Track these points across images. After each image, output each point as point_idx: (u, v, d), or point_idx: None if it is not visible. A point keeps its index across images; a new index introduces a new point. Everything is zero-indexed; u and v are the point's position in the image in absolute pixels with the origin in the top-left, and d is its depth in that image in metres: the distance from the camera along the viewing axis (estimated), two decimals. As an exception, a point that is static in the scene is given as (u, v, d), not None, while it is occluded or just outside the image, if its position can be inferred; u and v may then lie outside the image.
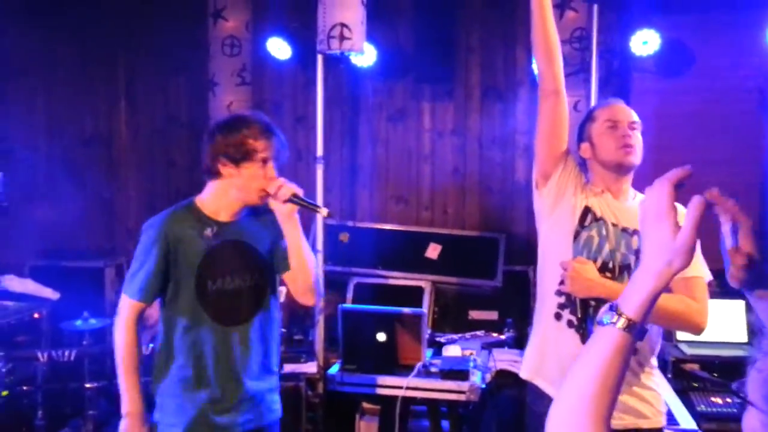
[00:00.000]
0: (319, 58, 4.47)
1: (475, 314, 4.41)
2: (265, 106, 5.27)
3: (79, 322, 3.55)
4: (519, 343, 3.94)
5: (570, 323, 2.16)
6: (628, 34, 4.33)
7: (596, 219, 2.20)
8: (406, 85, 5.13)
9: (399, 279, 4.56)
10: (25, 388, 3.45)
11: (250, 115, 2.50)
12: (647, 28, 4.24)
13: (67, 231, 5.00)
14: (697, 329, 2.13)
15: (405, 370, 3.20)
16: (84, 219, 5.13)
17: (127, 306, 2.33)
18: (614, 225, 2.20)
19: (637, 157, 2.24)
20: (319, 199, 4.79)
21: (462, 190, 5.03)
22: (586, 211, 2.21)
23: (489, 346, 3.62)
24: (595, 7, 4.32)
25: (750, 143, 4.45)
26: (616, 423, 2.18)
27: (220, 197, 2.43)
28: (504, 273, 4.50)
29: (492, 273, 4.48)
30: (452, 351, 3.33)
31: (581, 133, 2.36)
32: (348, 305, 3.44)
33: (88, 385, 3.48)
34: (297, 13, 4.91)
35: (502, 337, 3.79)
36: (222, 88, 5.17)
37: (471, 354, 3.33)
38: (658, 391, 2.24)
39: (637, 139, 2.27)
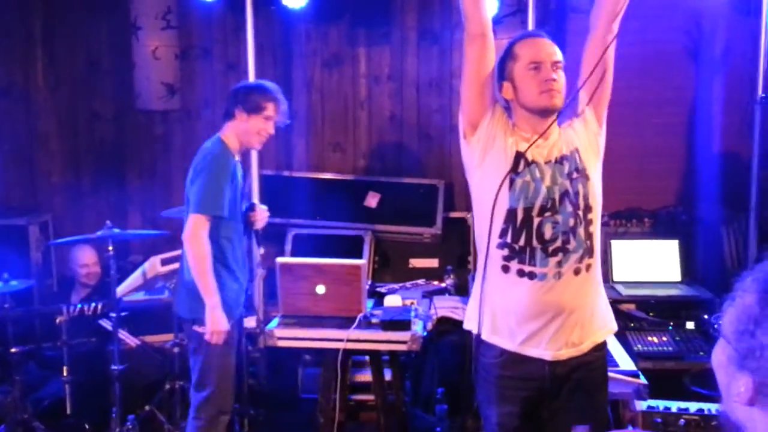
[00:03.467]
0: (249, 0, 4.26)
1: (415, 262, 4.39)
2: (193, 52, 5.03)
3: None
4: (459, 289, 3.94)
5: (521, 272, 2.11)
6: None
7: (528, 163, 2.14)
8: (340, 29, 4.95)
9: (338, 229, 4.49)
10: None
11: (269, 85, 3.16)
12: (584, -33, 4.16)
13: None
14: None
15: (346, 322, 3.15)
16: (3, 174, 4.85)
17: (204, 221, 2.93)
18: (547, 162, 2.15)
19: (561, 100, 2.14)
20: (254, 152, 4.65)
21: (400, 137, 4.94)
22: (518, 156, 2.14)
23: (430, 294, 3.61)
24: (532, -55, 4.22)
25: (683, 83, 4.48)
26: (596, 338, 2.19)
27: (234, 139, 3.08)
28: (443, 220, 4.47)
29: (431, 220, 4.45)
30: (393, 301, 3.30)
31: (501, 71, 2.22)
32: (285, 258, 3.35)
33: (13, 350, 3.32)
34: (224, -48, 4.65)
35: (443, 284, 3.78)
36: (146, 33, 4.89)
37: (412, 303, 3.30)
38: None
39: (561, 79, 2.16)
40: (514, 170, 2.12)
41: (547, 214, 2.11)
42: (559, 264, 2.09)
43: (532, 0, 4.24)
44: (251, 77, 4.46)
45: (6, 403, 3.37)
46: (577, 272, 2.11)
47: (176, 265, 3.55)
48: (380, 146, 4.94)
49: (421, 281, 3.79)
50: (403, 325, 3.08)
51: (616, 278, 4.00)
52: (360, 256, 4.25)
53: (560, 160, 2.15)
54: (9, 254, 4.09)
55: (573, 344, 2.14)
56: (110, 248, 3.31)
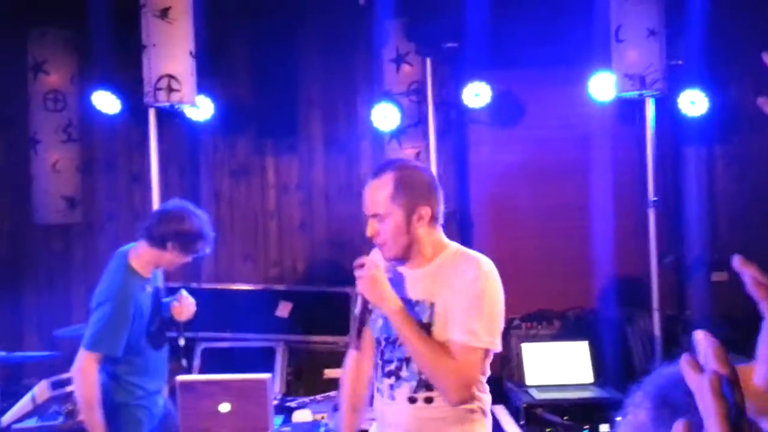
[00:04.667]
0: (151, 113, 4.25)
1: (330, 373, 4.25)
2: (97, 165, 4.93)
3: None
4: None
5: (377, 388, 2.24)
6: (461, 87, 4.47)
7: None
8: (247, 139, 4.99)
9: (250, 341, 4.34)
10: None
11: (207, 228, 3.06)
12: (479, 81, 4.40)
13: None
14: (450, 398, 2.07)
15: (253, 441, 2.98)
16: None
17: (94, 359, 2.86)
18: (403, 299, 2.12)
19: (390, 250, 2.13)
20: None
21: (311, 245, 4.92)
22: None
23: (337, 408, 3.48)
24: (429, 61, 4.44)
25: (579, 189, 4.68)
26: None
27: (147, 263, 2.98)
28: (356, 328, 4.40)
29: (345, 328, 4.36)
30: (302, 416, 3.16)
31: None
32: (186, 376, 3.18)
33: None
34: (125, 66, 4.65)
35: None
36: (45, 146, 4.79)
37: (322, 418, 3.17)
38: None
39: (381, 230, 2.12)
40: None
41: (391, 340, 2.18)
42: (392, 387, 2.16)
43: (432, 112, 4.43)
44: (155, 190, 4.40)
45: None
46: (412, 401, 2.13)
47: (69, 388, 3.32)
48: (291, 255, 4.89)
49: (333, 393, 3.65)
50: (313, 442, 2.94)
51: (528, 382, 3.99)
52: (272, 369, 4.09)
53: (415, 303, 2.13)
54: None
55: None
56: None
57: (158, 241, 2.91)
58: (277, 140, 4.99)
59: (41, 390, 3.25)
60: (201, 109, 4.57)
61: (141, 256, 2.94)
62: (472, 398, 2.08)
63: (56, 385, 3.28)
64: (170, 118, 4.62)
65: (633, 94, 4.09)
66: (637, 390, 1.01)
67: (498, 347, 2.10)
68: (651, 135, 4.23)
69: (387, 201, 2.11)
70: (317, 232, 4.92)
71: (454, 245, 2.22)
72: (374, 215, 2.13)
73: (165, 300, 3.21)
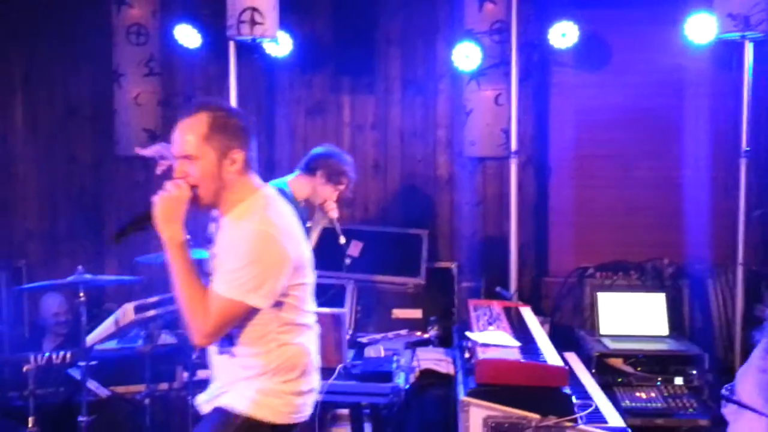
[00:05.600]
0: (232, 46, 4.25)
1: (398, 313, 4.29)
2: (176, 99, 4.99)
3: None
4: (443, 341, 3.84)
5: None
6: (547, 27, 4.30)
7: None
8: (324, 77, 4.96)
9: (320, 278, 4.37)
10: None
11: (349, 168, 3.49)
12: (566, 20, 4.22)
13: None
14: (193, 339, 2.03)
15: (325, 373, 3.02)
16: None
17: None
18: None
19: (198, 199, 2.05)
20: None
21: (384, 186, 4.90)
22: None
23: (413, 346, 3.50)
24: (514, -1, 4.27)
25: (667, 137, 4.49)
26: None
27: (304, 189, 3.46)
28: (427, 270, 4.39)
29: (415, 270, 4.37)
30: (374, 351, 3.19)
31: None
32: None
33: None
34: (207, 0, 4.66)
35: (426, 335, 3.68)
36: (128, 79, 4.87)
37: (396, 354, 3.20)
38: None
39: (191, 173, 2.03)
40: None
41: None
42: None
43: (515, 52, 4.28)
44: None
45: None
46: (219, 353, 2.14)
47: (151, 313, 3.43)
48: (363, 195, 4.88)
49: (403, 332, 3.68)
50: (385, 376, 2.97)
51: (602, 331, 3.92)
52: (342, 306, 4.14)
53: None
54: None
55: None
56: (81, 294, 3.18)
57: (310, 170, 3.41)
58: (354, 79, 4.94)
59: (125, 313, 3.36)
60: (280, 45, 4.55)
61: (295, 182, 3.45)
62: (258, 353, 2.06)
63: (139, 309, 3.39)
64: (249, 53, 4.61)
65: (734, 35, 3.84)
66: None
67: (258, 304, 1.99)
68: (748, 81, 3.98)
69: (199, 142, 2.00)
70: (391, 173, 4.89)
71: (261, 195, 2.10)
72: (184, 156, 2.02)
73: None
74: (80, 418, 3.12)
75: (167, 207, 2.02)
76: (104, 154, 4.95)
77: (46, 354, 3.27)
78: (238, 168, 2.04)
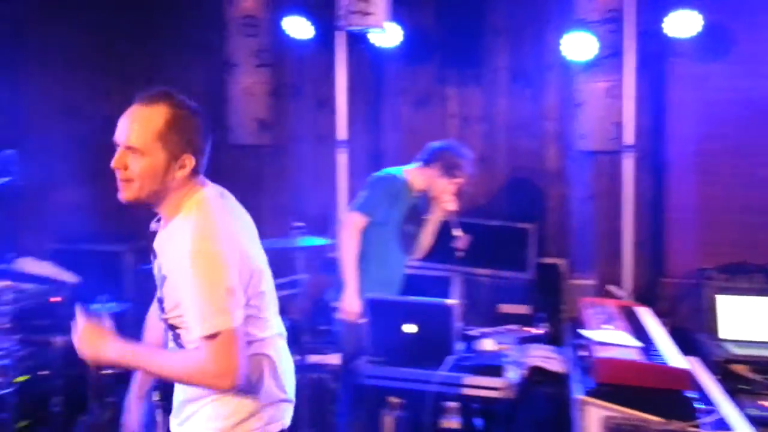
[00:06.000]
0: (341, 36, 4.31)
1: (504, 307, 4.23)
2: (286, 90, 5.10)
3: (97, 306, 3.41)
4: (552, 339, 3.76)
5: None
6: (664, 15, 4.12)
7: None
8: (430, 68, 4.94)
9: (425, 269, 4.38)
10: (42, 373, 3.32)
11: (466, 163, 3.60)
12: (686, 8, 4.03)
13: (86, 214, 4.85)
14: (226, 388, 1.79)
15: (434, 364, 3.02)
16: (102, 204, 4.96)
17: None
18: (157, 259, 1.91)
19: (132, 191, 1.83)
20: (342, 185, 4.64)
21: (490, 179, 4.84)
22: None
23: (525, 341, 3.45)
24: (631, -14, 4.12)
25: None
26: None
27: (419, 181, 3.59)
28: (534, 265, 4.31)
29: (522, 265, 4.30)
30: (486, 345, 3.16)
31: None
32: (375, 294, 3.27)
33: (106, 372, 3.35)
34: (318, -9, 4.73)
35: (540, 332, 3.61)
36: (240, 70, 5.01)
37: (506, 349, 3.16)
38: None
39: (132, 167, 1.81)
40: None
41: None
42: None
43: (630, 42, 4.12)
44: (341, 115, 4.50)
45: (99, 424, 3.37)
46: None
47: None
48: (470, 188, 4.83)
49: (514, 327, 3.63)
50: (497, 370, 2.93)
51: (721, 335, 3.73)
52: (446, 298, 4.12)
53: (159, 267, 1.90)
54: (106, 279, 4.18)
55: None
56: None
57: (427, 162, 3.53)
58: (461, 70, 4.90)
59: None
60: (388, 36, 4.56)
61: (412, 172, 3.58)
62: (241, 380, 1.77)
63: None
64: (357, 44, 4.66)
65: None
66: None
67: (235, 321, 1.74)
68: None
69: (151, 138, 1.79)
70: (497, 166, 4.83)
71: (200, 197, 1.87)
72: (128, 148, 1.80)
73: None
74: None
75: (89, 342, 1.86)
76: (217, 143, 5.10)
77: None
78: (185, 174, 1.84)
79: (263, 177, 5.12)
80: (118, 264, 4.66)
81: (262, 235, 4.53)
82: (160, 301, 1.88)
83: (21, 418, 3.15)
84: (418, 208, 3.64)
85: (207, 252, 1.73)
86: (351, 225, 3.46)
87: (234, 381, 1.75)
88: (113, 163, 1.80)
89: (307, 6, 4.71)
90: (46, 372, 3.36)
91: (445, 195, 3.53)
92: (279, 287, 3.77)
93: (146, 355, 1.87)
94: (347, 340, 3.40)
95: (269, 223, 3.29)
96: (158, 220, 1.95)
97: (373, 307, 3.15)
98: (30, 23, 4.82)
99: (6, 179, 3.30)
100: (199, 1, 5.05)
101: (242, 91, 5.00)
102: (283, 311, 3.96)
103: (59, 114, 5.06)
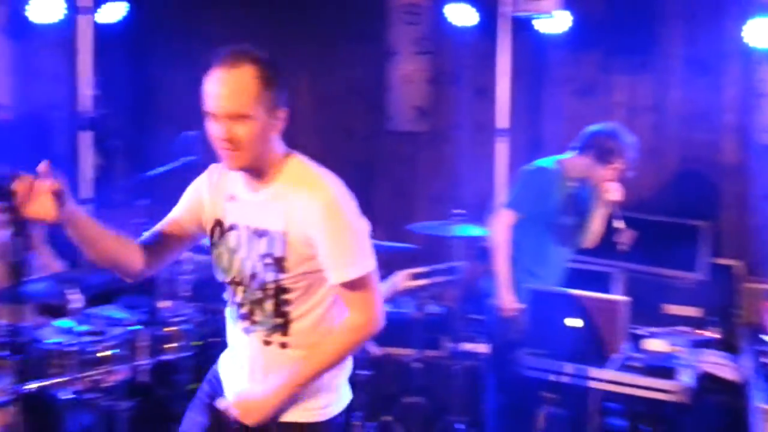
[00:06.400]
0: (505, 23, 4.25)
1: (671, 308, 4.00)
2: (445, 77, 5.09)
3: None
4: (726, 345, 3.51)
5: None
6: None
7: (225, 230, 1.90)
8: (596, 56, 4.74)
9: (585, 263, 4.22)
10: (214, 340, 3.51)
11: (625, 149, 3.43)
12: None
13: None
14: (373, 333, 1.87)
15: (598, 361, 2.91)
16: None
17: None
18: (247, 227, 1.87)
19: (242, 160, 1.78)
20: (501, 174, 4.58)
21: (659, 172, 4.58)
22: (216, 225, 1.93)
23: (698, 345, 3.24)
24: None
25: None
26: None
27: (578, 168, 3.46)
28: (706, 266, 4.04)
29: (691, 264, 4.04)
30: (656, 345, 3.00)
31: None
32: (539, 285, 3.20)
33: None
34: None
35: (716, 336, 3.39)
36: (401, 57, 5.07)
37: (679, 351, 2.98)
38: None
39: (239, 135, 1.75)
40: (212, 242, 1.95)
41: (240, 288, 1.91)
42: (246, 330, 1.91)
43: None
44: (502, 103, 4.43)
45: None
46: (266, 344, 1.89)
47: (422, 282, 3.55)
48: (636, 181, 4.60)
49: (686, 329, 3.43)
50: (669, 372, 2.78)
51: None
52: (607, 293, 3.96)
53: (261, 234, 1.84)
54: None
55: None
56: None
57: (581, 148, 3.41)
58: (629, 57, 4.67)
59: (401, 279, 3.50)
60: (555, 22, 4.43)
61: (569, 160, 3.46)
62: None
63: (415, 277, 3.51)
64: (521, 31, 4.56)
65: None
66: None
67: (374, 263, 1.85)
68: None
69: (252, 99, 1.73)
70: (668, 159, 4.56)
71: (301, 158, 1.90)
72: (236, 116, 1.73)
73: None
74: (357, 372, 3.29)
75: (250, 415, 1.87)
76: (376, 129, 5.20)
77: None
78: (279, 129, 1.84)
79: (419, 163, 5.15)
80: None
81: (416, 219, 4.57)
82: (272, 264, 1.84)
83: (194, 381, 3.36)
84: (578, 198, 3.50)
85: (348, 203, 1.85)
86: (500, 222, 3.41)
87: (382, 320, 1.86)
88: (223, 135, 1.75)
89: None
90: (218, 339, 3.55)
91: (607, 183, 3.37)
92: (434, 273, 3.81)
93: (299, 374, 1.84)
94: (501, 331, 3.36)
95: (424, 209, 3.33)
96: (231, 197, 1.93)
97: (536, 298, 3.08)
98: (203, 7, 5.12)
99: (190, 158, 3.52)
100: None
101: (401, 79, 5.07)
102: (437, 298, 4.03)
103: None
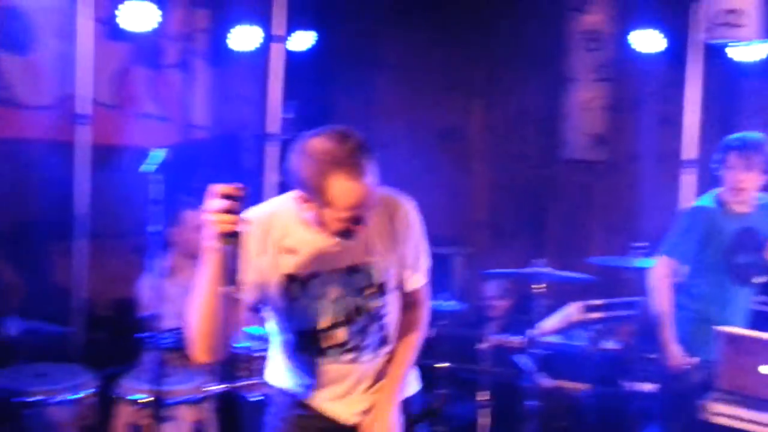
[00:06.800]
0: (696, 50, 4.06)
1: None
2: (626, 104, 4.93)
3: (439, 302, 3.63)
4: None
5: None
6: None
7: (305, 280, 1.88)
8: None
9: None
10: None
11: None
12: None
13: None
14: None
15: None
16: (435, 208, 5.24)
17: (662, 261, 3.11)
18: (334, 271, 1.89)
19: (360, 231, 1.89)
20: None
21: None
22: (287, 280, 1.87)
23: None
24: None
25: None
26: None
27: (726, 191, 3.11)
28: None
29: None
30: None
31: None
32: (731, 328, 2.98)
33: (437, 365, 3.53)
34: (666, 4, 4.48)
35: None
36: (578, 84, 4.98)
37: None
38: None
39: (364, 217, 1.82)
40: (288, 297, 1.96)
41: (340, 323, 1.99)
42: (353, 360, 2.01)
43: None
44: (690, 133, 4.24)
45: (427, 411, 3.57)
46: (373, 360, 2.03)
47: (598, 315, 3.44)
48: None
49: None
50: None
51: None
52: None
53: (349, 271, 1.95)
54: (435, 278, 4.40)
55: None
56: (536, 286, 3.30)
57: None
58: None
59: (575, 310, 3.42)
60: (750, 50, 4.18)
61: (725, 184, 3.09)
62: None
63: (589, 309, 3.41)
64: (713, 58, 4.34)
65: None
66: None
67: None
68: None
69: (376, 190, 1.80)
70: None
71: None
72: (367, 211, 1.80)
73: None
74: (527, 402, 3.25)
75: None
76: (549, 156, 5.13)
77: (501, 336, 3.49)
78: None
79: (594, 193, 5.01)
80: (447, 266, 4.91)
81: (590, 249, 4.42)
82: (375, 292, 1.93)
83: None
84: (753, 230, 3.13)
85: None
86: (658, 271, 3.11)
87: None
88: (354, 224, 1.80)
89: (659, 19, 4.50)
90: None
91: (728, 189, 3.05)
92: (610, 307, 3.67)
93: (398, 376, 2.02)
94: (679, 376, 3.13)
95: (599, 240, 3.22)
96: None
97: (728, 341, 2.88)
98: (381, 36, 5.30)
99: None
100: (543, 13, 5.10)
101: (579, 106, 4.97)
102: (612, 332, 3.86)
103: (401, 119, 5.42)
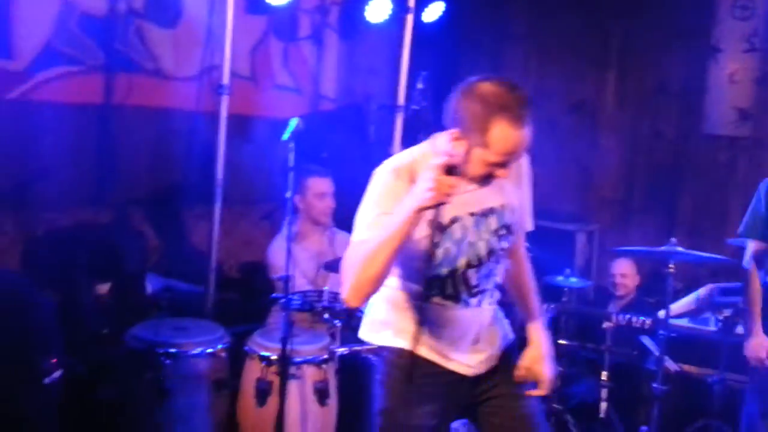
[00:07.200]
0: None
1: None
2: (773, 77, 4.56)
3: (560, 278, 3.57)
4: None
5: None
6: None
7: (447, 226, 1.96)
8: None
9: None
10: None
11: None
12: None
13: (545, 193, 5.07)
14: None
15: None
16: (561, 183, 5.13)
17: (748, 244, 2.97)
18: (471, 214, 1.99)
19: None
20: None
21: None
22: (430, 226, 1.87)
23: None
24: None
25: None
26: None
27: None
28: None
29: None
30: None
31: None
32: None
33: (561, 342, 3.48)
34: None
35: None
36: (725, 55, 4.67)
37: None
38: None
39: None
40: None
41: (473, 269, 2.11)
42: (478, 304, 2.14)
43: None
44: None
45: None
46: (491, 304, 2.18)
47: (733, 298, 3.26)
48: None
49: None
50: None
51: None
52: None
53: (488, 212, 2.08)
54: (559, 255, 4.32)
55: None
56: (670, 266, 3.15)
57: None
58: None
59: (708, 293, 3.26)
60: None
61: None
62: None
63: (722, 292, 3.24)
64: None
65: None
66: None
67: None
68: None
69: None
70: None
71: None
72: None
73: None
74: (654, 385, 3.13)
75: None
76: (688, 132, 4.85)
77: (627, 316, 3.39)
78: None
79: (736, 171, 4.69)
80: (570, 243, 4.81)
81: (728, 230, 4.17)
82: (505, 234, 2.06)
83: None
84: None
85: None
86: (747, 253, 2.97)
87: None
88: (500, 174, 1.89)
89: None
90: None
91: None
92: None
93: (541, 310, 2.27)
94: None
95: (738, 220, 3.01)
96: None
97: None
98: (510, 4, 5.15)
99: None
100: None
101: (725, 78, 4.66)
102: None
103: (532, 93, 5.29)
